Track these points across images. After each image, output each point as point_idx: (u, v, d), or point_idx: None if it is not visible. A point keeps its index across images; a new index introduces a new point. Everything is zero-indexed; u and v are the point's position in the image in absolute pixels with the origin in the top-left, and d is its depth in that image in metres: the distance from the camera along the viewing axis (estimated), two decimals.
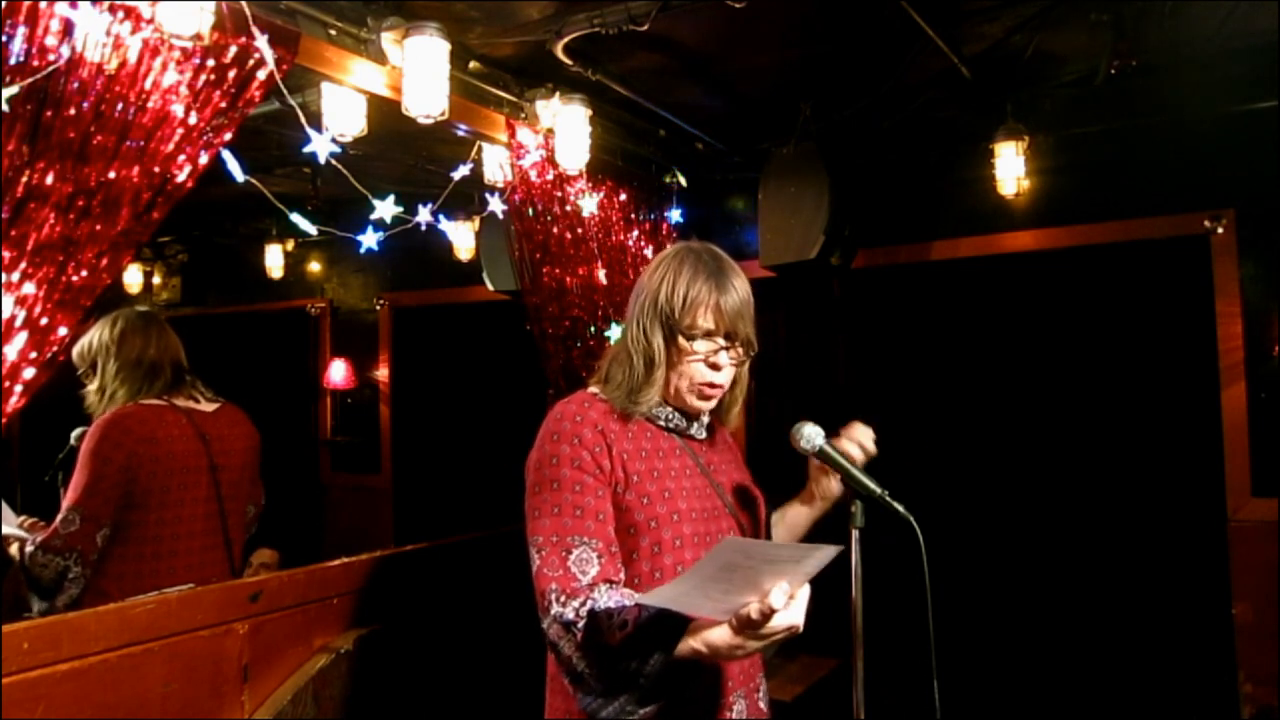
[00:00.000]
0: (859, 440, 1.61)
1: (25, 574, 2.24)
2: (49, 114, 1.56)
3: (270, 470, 2.74)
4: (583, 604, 1.37)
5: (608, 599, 1.38)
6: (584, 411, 1.53)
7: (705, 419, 1.68)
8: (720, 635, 1.25)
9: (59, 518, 2.26)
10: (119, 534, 2.31)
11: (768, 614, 1.19)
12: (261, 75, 1.89)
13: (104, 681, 1.72)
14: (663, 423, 1.61)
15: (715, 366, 1.56)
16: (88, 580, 2.26)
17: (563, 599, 1.39)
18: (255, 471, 2.68)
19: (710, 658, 1.31)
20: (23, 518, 2.43)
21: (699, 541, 1.55)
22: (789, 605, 1.21)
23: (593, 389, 1.62)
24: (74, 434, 2.52)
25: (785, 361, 4.18)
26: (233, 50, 1.85)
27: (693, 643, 1.28)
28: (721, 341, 1.56)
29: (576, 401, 1.56)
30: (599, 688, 1.35)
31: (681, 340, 1.55)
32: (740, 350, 1.59)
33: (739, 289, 1.57)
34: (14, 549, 2.30)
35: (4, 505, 2.33)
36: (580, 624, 1.36)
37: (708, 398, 1.59)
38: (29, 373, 1.55)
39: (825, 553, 1.21)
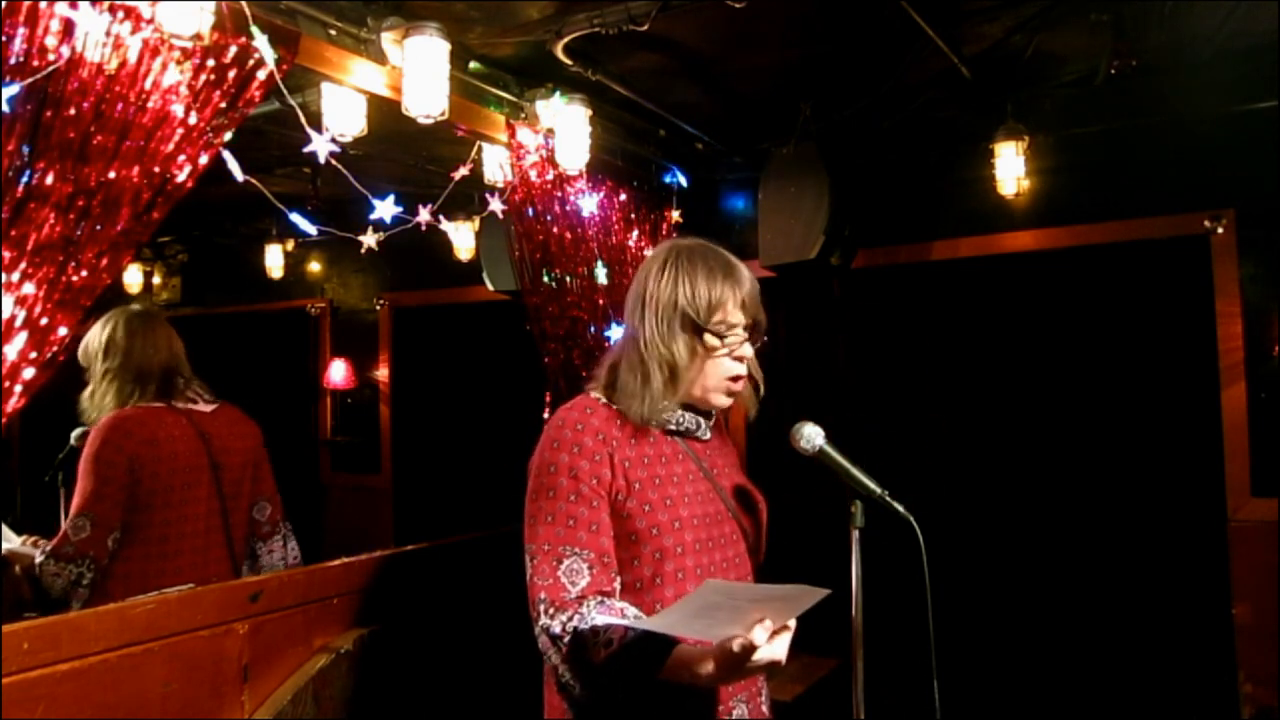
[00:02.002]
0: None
1: (35, 587, 2.22)
2: (49, 114, 1.56)
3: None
4: (569, 618, 1.38)
5: (596, 615, 1.37)
6: (586, 419, 1.53)
7: (713, 418, 1.68)
8: (703, 667, 1.27)
9: (67, 525, 2.24)
10: (124, 536, 2.30)
11: (749, 650, 1.21)
12: (261, 75, 1.89)
13: (104, 681, 1.71)
14: (672, 426, 1.60)
15: (740, 359, 1.58)
16: (96, 585, 2.26)
17: (551, 611, 1.40)
18: (261, 469, 2.66)
19: (691, 683, 1.31)
20: (24, 537, 2.42)
21: (701, 548, 1.55)
22: (772, 641, 1.23)
23: (594, 394, 1.61)
24: (74, 434, 2.52)
25: (785, 361, 4.18)
26: (233, 50, 1.84)
27: (675, 668, 1.29)
28: (744, 333, 1.58)
29: (578, 408, 1.56)
30: (584, 700, 1.37)
31: (709, 338, 1.55)
32: (757, 334, 1.61)
33: (749, 276, 1.61)
34: (17, 569, 2.27)
35: (4, 527, 2.32)
36: (566, 639, 1.37)
37: (735, 393, 1.61)
38: (29, 373, 1.54)
39: (812, 595, 1.22)
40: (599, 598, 1.42)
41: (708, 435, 1.67)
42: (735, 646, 1.21)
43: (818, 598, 1.23)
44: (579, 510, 1.46)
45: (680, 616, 1.24)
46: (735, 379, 1.59)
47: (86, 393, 2.45)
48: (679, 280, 1.56)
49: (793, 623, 1.26)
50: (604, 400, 1.59)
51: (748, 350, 1.58)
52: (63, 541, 2.23)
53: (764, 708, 1.65)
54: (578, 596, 1.41)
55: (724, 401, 1.61)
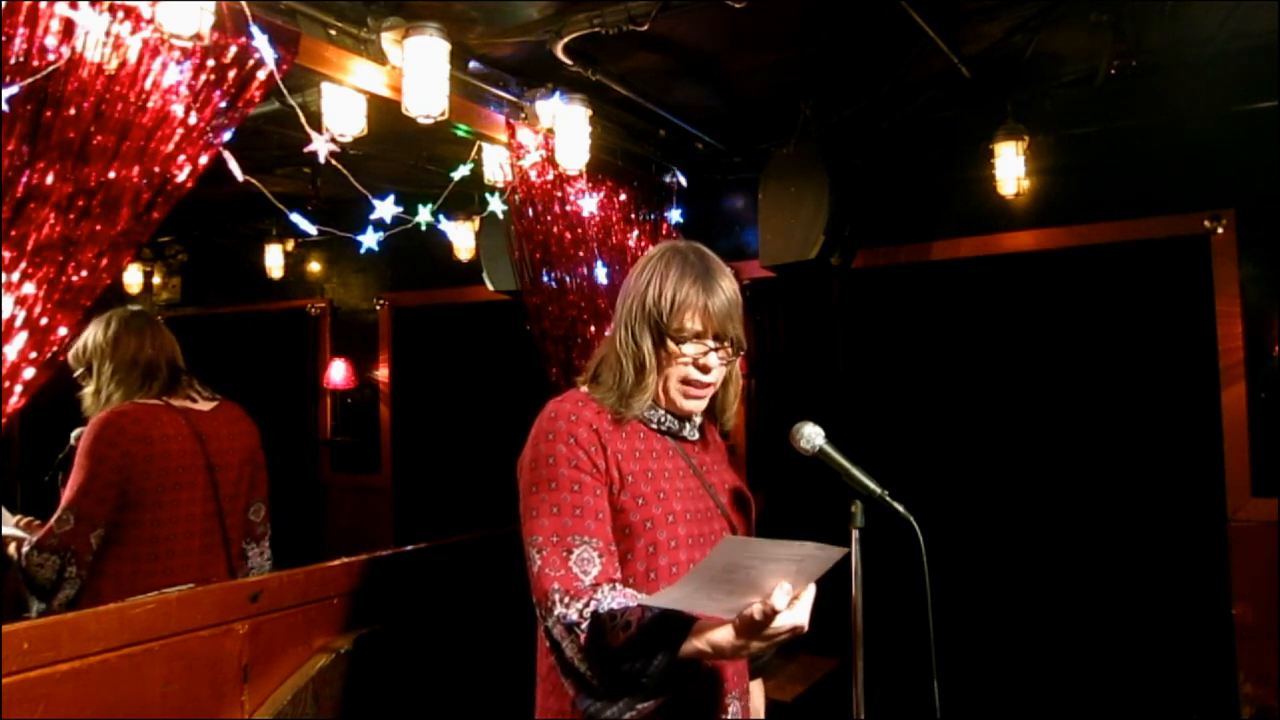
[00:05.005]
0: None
1: (23, 574, 2.24)
2: (49, 114, 1.56)
3: (270, 470, 2.73)
4: (586, 605, 1.37)
5: (611, 600, 1.37)
6: (578, 411, 1.52)
7: (697, 420, 1.67)
8: (724, 636, 1.25)
9: (54, 517, 2.26)
10: (115, 534, 2.30)
11: (770, 615, 1.19)
12: (261, 75, 1.89)
13: (104, 681, 1.71)
14: (655, 425, 1.60)
15: (705, 369, 1.56)
16: (83, 580, 2.26)
17: (566, 600, 1.38)
18: (258, 469, 2.66)
19: (714, 657, 1.30)
20: (18, 516, 2.43)
21: (694, 543, 1.54)
22: (793, 606, 1.21)
23: (584, 388, 1.61)
24: (74, 434, 2.52)
25: (785, 362, 4.18)
26: (233, 50, 1.85)
27: (696, 643, 1.28)
28: (711, 343, 1.55)
29: (570, 401, 1.55)
30: (601, 689, 1.34)
31: (670, 344, 1.54)
32: (729, 350, 1.58)
33: (726, 289, 1.56)
34: (11, 549, 2.30)
35: (0, 506, 2.33)
36: (584, 625, 1.35)
37: (695, 398, 1.59)
38: (29, 373, 1.55)
39: (829, 554, 1.20)
40: (612, 584, 1.41)
41: (694, 436, 1.67)
42: (756, 613, 1.19)
43: (835, 558, 1.20)
44: (584, 499, 1.45)
45: (698, 584, 1.21)
46: (695, 386, 1.57)
47: (89, 390, 2.45)
48: (652, 280, 1.56)
49: (812, 587, 1.24)
50: (590, 393, 1.59)
51: (713, 361, 1.55)
52: (48, 533, 2.24)
53: (748, 706, 1.65)
54: (592, 584, 1.40)
55: (685, 405, 1.59)
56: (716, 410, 1.69)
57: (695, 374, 1.56)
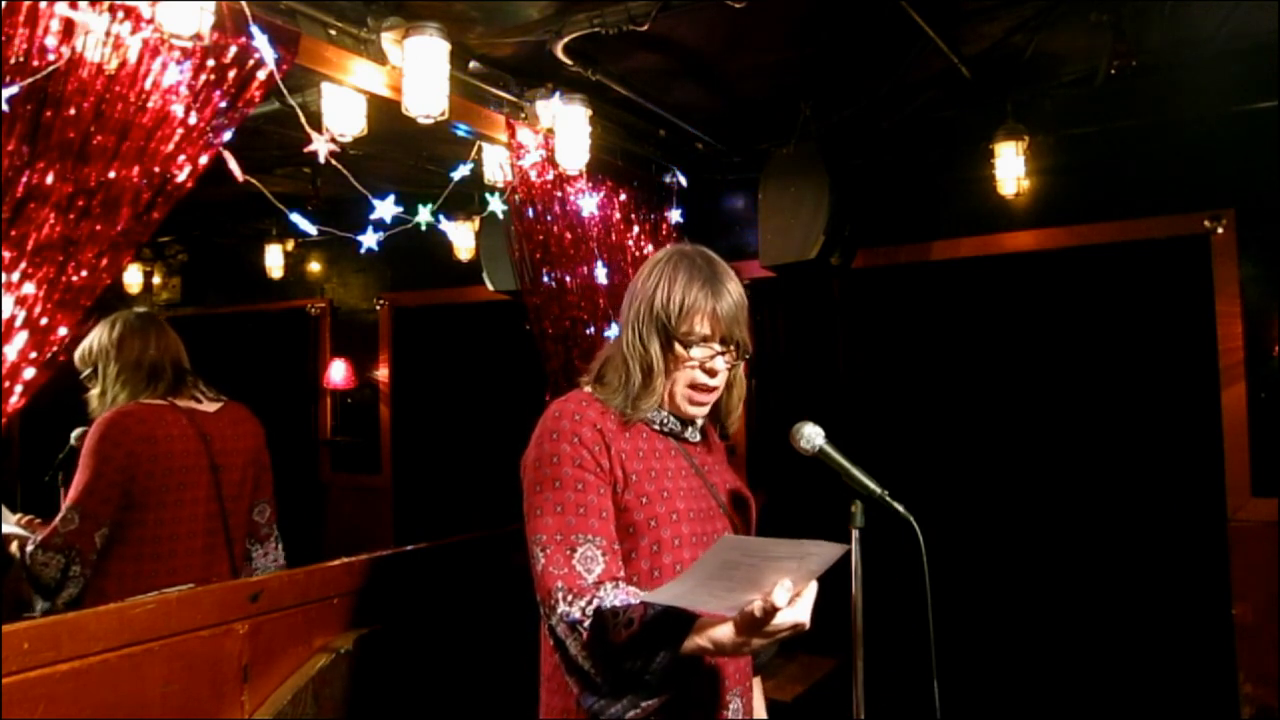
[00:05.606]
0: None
1: (27, 573, 2.24)
2: (49, 114, 1.56)
3: (270, 470, 2.73)
4: (589, 603, 1.37)
5: (614, 598, 1.37)
6: (582, 410, 1.54)
7: (700, 423, 1.69)
8: (725, 633, 1.26)
9: (59, 516, 2.27)
10: (119, 534, 2.31)
11: (771, 612, 1.19)
12: (261, 75, 1.89)
13: (104, 681, 1.71)
14: (658, 426, 1.62)
15: (711, 372, 1.57)
16: (87, 579, 2.27)
17: (569, 598, 1.39)
18: (263, 470, 2.66)
19: (715, 654, 1.31)
20: (19, 515, 2.43)
21: (697, 541, 1.55)
22: (794, 603, 1.21)
23: (588, 389, 1.62)
24: (74, 434, 2.52)
25: (785, 362, 4.18)
26: (233, 50, 1.85)
27: (698, 640, 1.28)
28: (717, 347, 1.56)
29: (574, 400, 1.57)
30: (604, 686, 1.35)
31: (678, 347, 1.55)
32: (735, 353, 1.59)
33: (733, 293, 1.57)
34: (14, 547, 2.31)
35: (1, 506, 2.33)
36: (586, 623, 1.36)
37: (700, 404, 1.60)
38: (29, 373, 1.55)
39: (829, 551, 1.20)
40: (615, 582, 1.42)
41: (696, 437, 1.68)
42: (757, 610, 1.20)
43: (836, 555, 1.21)
44: (588, 498, 1.46)
45: (698, 581, 1.22)
46: (701, 390, 1.58)
47: (95, 391, 2.46)
48: (660, 283, 1.57)
49: (813, 584, 1.25)
50: (597, 395, 1.60)
51: (719, 365, 1.57)
52: (52, 532, 2.25)
53: (752, 703, 1.65)
54: (595, 582, 1.41)
55: (690, 410, 1.60)
56: (721, 414, 1.70)
57: (702, 377, 1.57)
